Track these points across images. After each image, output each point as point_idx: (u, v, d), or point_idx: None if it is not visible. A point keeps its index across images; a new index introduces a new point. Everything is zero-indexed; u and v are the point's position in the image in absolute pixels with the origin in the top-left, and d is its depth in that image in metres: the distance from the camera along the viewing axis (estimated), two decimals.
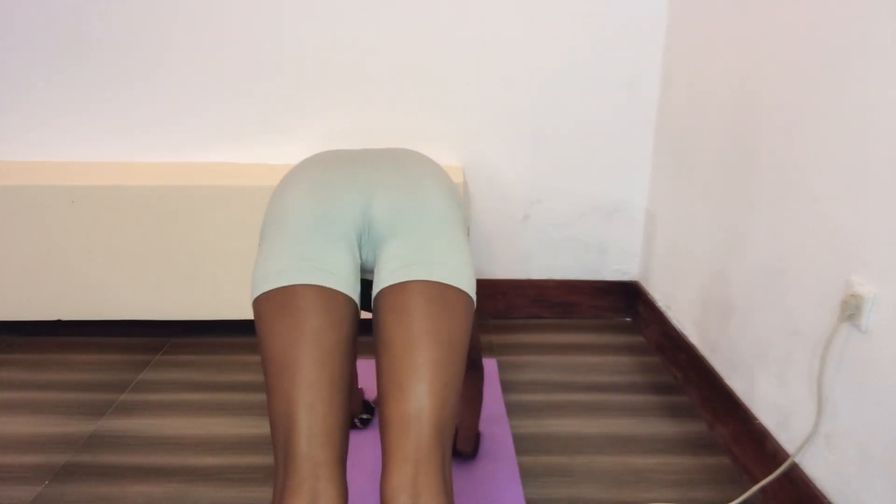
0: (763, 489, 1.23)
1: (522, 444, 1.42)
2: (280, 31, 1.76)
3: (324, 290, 0.81)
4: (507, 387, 1.65)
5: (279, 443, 0.77)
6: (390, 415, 0.79)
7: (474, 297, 0.87)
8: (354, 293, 0.86)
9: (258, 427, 1.48)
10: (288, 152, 1.89)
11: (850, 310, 1.00)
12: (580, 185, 1.94)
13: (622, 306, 2.07)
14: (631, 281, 2.05)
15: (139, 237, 1.73)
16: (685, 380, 1.63)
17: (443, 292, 0.83)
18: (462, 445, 1.33)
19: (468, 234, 0.92)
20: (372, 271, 0.95)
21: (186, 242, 1.74)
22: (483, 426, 1.47)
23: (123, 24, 1.75)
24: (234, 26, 1.76)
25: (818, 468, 1.10)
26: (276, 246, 0.84)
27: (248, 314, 1.82)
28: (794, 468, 1.15)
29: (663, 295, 1.83)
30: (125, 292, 1.78)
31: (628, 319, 2.08)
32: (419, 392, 0.78)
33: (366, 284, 1.00)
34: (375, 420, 1.41)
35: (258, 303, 0.83)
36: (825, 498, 1.07)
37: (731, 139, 1.40)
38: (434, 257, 0.84)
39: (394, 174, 0.91)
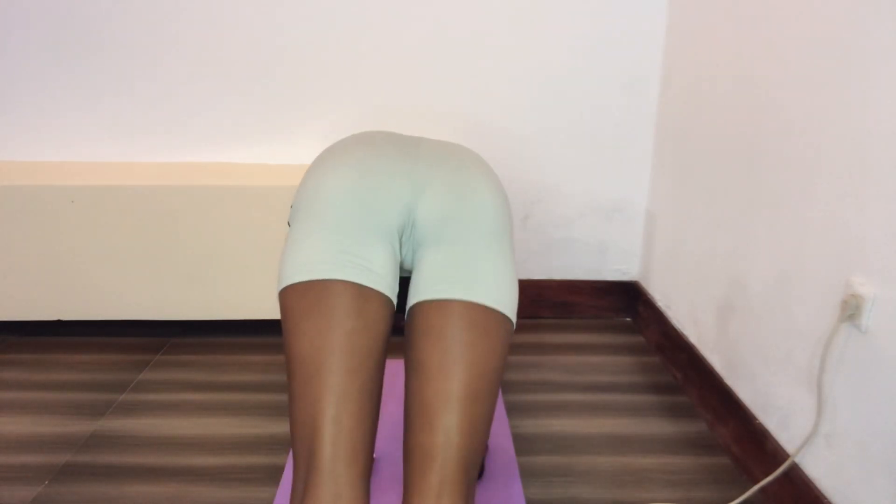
0: (763, 489, 1.23)
1: (522, 444, 1.42)
2: (280, 31, 1.76)
3: (360, 288, 0.74)
4: (507, 387, 1.65)
5: (301, 454, 0.72)
6: (416, 445, 0.73)
7: (515, 320, 0.81)
8: (392, 293, 0.79)
9: (258, 427, 1.48)
10: (288, 152, 1.90)
11: (850, 310, 1.00)
12: (580, 185, 1.94)
13: (622, 306, 2.07)
14: (631, 281, 2.05)
15: (139, 237, 1.73)
16: (685, 380, 1.63)
17: (484, 317, 0.76)
18: None
19: (513, 239, 0.87)
20: (408, 270, 0.87)
21: (186, 242, 1.74)
22: None
23: (123, 25, 1.75)
24: (234, 26, 1.76)
25: (818, 468, 1.10)
26: (312, 233, 0.76)
27: (249, 314, 1.82)
28: (794, 468, 1.15)
29: (663, 295, 1.83)
30: (125, 292, 1.78)
31: (628, 319, 2.08)
32: (448, 425, 0.72)
33: (401, 282, 0.91)
34: (399, 445, 1.38)
35: (286, 295, 0.75)
36: (825, 498, 1.07)
37: (732, 139, 1.40)
38: (479, 276, 0.77)
39: (448, 171, 0.82)
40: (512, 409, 1.55)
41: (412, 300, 0.79)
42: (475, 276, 0.77)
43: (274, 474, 1.32)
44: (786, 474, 1.16)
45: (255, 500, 1.24)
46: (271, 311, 1.82)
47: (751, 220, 1.32)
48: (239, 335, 1.93)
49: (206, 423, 1.49)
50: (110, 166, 1.84)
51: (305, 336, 0.73)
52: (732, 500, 1.22)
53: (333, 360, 0.72)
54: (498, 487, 1.27)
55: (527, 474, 1.32)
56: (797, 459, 1.15)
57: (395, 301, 0.80)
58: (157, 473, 1.32)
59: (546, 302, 2.06)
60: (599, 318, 2.08)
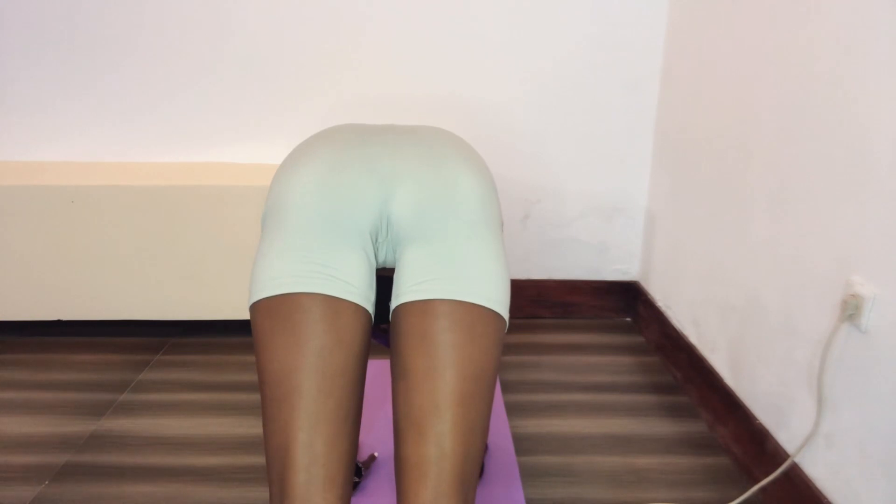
0: (763, 489, 1.23)
1: (522, 444, 1.41)
2: (280, 31, 1.76)
3: (332, 301, 0.69)
4: (507, 387, 1.65)
5: (274, 481, 0.68)
6: (407, 457, 0.68)
7: (507, 315, 0.75)
8: (367, 302, 0.73)
9: (258, 427, 1.48)
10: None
11: (850, 310, 1.00)
12: (580, 185, 1.94)
13: (622, 306, 2.07)
14: (631, 281, 2.05)
15: (139, 237, 1.73)
16: (685, 380, 1.63)
17: (472, 315, 0.71)
18: None
19: (503, 231, 0.79)
20: (392, 268, 0.81)
21: (186, 242, 1.74)
22: None
23: (123, 25, 1.76)
24: (233, 26, 1.76)
25: (818, 468, 1.10)
26: (277, 244, 0.71)
27: (248, 314, 1.82)
28: (794, 468, 1.15)
29: (663, 295, 1.83)
30: (125, 292, 1.78)
31: (628, 319, 2.08)
32: (440, 432, 0.67)
33: (384, 281, 0.84)
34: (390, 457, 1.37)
35: (255, 310, 0.71)
36: (825, 498, 1.07)
37: (731, 139, 1.40)
38: (464, 271, 0.71)
39: (420, 160, 0.74)
40: (512, 409, 1.55)
41: (395, 302, 0.74)
42: (458, 271, 0.71)
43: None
44: (786, 474, 1.16)
45: (255, 500, 1.24)
46: None
47: (751, 219, 1.32)
48: (239, 335, 1.93)
49: (206, 423, 1.49)
50: (110, 166, 1.84)
51: (275, 355, 0.69)
52: (732, 500, 1.22)
53: (305, 380, 0.67)
54: (498, 487, 1.27)
55: (527, 474, 1.32)
56: (797, 459, 1.15)
57: (371, 310, 0.74)
58: (157, 473, 1.32)
59: (546, 302, 2.06)
60: (599, 318, 2.08)
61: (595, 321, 2.06)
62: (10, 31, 1.76)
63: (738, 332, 1.38)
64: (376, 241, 0.75)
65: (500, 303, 0.73)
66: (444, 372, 0.69)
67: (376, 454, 1.35)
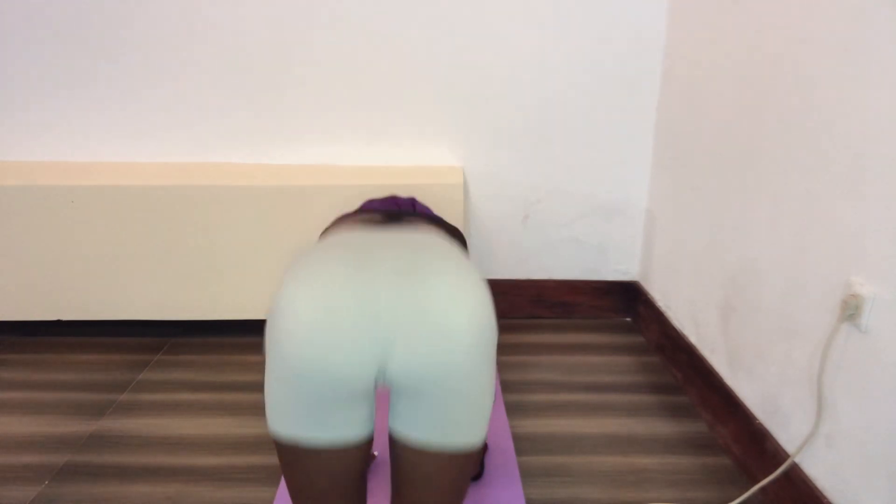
0: (763, 489, 1.23)
1: (522, 444, 1.42)
2: (280, 31, 1.76)
3: (334, 451, 0.77)
4: (507, 387, 1.65)
5: None
6: None
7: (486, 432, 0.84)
8: (368, 433, 0.79)
9: (258, 427, 1.48)
10: (288, 152, 1.89)
11: (850, 310, 0.99)
12: (580, 185, 1.94)
13: (622, 306, 2.07)
14: (631, 281, 2.05)
15: (139, 237, 1.73)
16: (685, 380, 1.63)
17: (460, 458, 0.79)
18: None
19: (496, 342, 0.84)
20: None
21: (186, 242, 1.74)
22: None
23: (124, 26, 1.75)
24: (234, 27, 1.76)
25: (818, 468, 1.10)
26: (280, 388, 0.74)
27: (248, 314, 1.82)
28: (794, 468, 1.15)
29: (663, 295, 1.83)
30: (125, 292, 1.78)
31: (628, 319, 2.08)
32: None
33: None
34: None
35: (273, 436, 0.79)
36: (825, 498, 1.07)
37: (731, 139, 1.40)
38: (454, 424, 0.77)
39: (418, 310, 0.73)
40: (512, 409, 1.55)
41: (391, 429, 0.80)
42: (450, 424, 0.76)
43: (274, 474, 1.32)
44: (786, 474, 1.16)
45: (255, 500, 1.24)
46: None
47: (751, 220, 1.32)
48: (239, 335, 1.93)
49: (206, 423, 1.49)
50: (110, 166, 1.84)
51: (293, 478, 0.80)
52: (732, 500, 1.22)
53: (318, 493, 0.80)
54: (498, 487, 1.27)
55: (527, 474, 1.32)
56: (797, 459, 1.15)
57: (371, 433, 0.80)
58: (157, 473, 1.32)
59: (546, 302, 2.06)
60: (599, 318, 2.08)
61: (595, 321, 2.06)
62: (10, 31, 1.76)
63: (738, 332, 1.38)
64: (375, 381, 0.77)
65: (482, 435, 0.81)
66: (431, 496, 0.81)
67: (376, 453, 1.35)
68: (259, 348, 1.85)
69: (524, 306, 2.07)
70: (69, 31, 1.76)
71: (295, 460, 0.78)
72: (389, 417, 0.80)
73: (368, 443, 0.80)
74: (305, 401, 0.73)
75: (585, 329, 2.00)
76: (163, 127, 1.86)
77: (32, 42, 1.77)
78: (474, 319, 0.75)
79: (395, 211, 0.92)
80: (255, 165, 1.88)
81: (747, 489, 1.26)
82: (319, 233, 1.72)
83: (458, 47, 1.78)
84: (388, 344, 0.73)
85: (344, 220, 0.97)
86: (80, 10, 1.74)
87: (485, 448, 1.37)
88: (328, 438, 0.75)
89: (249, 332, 1.94)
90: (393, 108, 1.85)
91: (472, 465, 0.82)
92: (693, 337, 1.62)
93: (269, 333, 0.75)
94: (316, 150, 1.90)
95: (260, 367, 1.75)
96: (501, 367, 1.75)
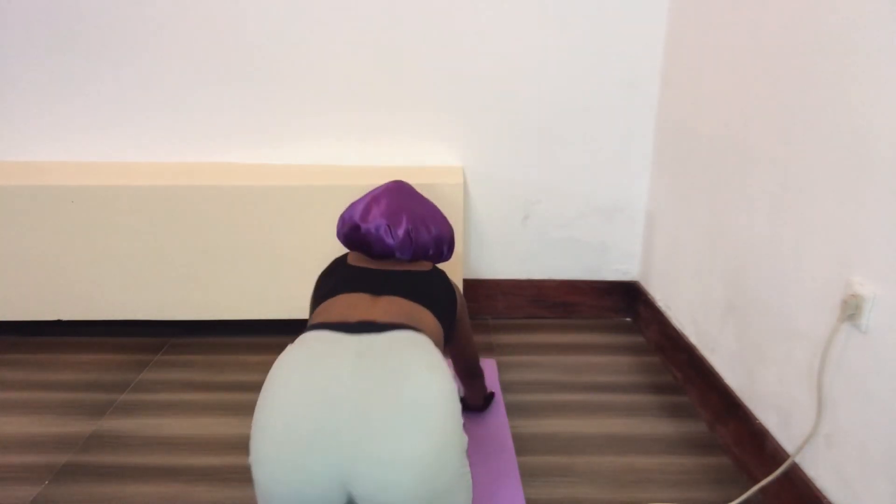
0: (763, 489, 1.23)
1: (522, 444, 1.41)
2: (281, 31, 1.76)
3: None
4: (507, 387, 1.65)
5: None
6: None
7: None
8: None
9: None
10: (288, 152, 1.90)
11: (850, 310, 1.00)
12: (580, 185, 1.94)
13: (622, 306, 2.07)
14: (631, 281, 2.05)
15: (139, 237, 1.73)
16: (685, 380, 1.63)
17: None
18: (472, 404, 1.47)
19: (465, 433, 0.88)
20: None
21: (186, 242, 1.74)
22: (483, 426, 1.47)
23: (124, 26, 1.76)
24: (234, 27, 1.76)
25: (818, 468, 1.10)
26: (260, 485, 0.80)
27: (248, 314, 1.82)
28: (794, 468, 1.15)
29: (663, 295, 1.83)
30: (125, 292, 1.78)
31: (628, 319, 2.08)
32: None
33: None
34: None
35: None
36: (825, 498, 1.07)
37: (731, 139, 1.40)
38: None
39: (384, 436, 0.74)
40: (512, 409, 1.55)
41: None
42: None
43: None
44: (786, 474, 1.16)
45: (255, 500, 1.24)
46: (271, 311, 1.82)
47: (751, 219, 1.32)
48: (239, 335, 1.93)
49: (206, 423, 1.49)
50: (110, 166, 1.84)
51: None
52: (732, 500, 1.22)
53: None
54: (498, 487, 1.27)
55: (527, 474, 1.32)
56: (797, 459, 1.15)
57: None
58: (157, 473, 1.32)
59: (546, 302, 2.06)
60: (599, 318, 2.08)
61: (595, 321, 2.06)
62: (10, 31, 1.76)
63: (738, 332, 1.38)
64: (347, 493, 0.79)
65: None
66: None
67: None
68: (258, 348, 1.85)
69: (524, 306, 2.07)
70: (69, 31, 1.76)
71: None
72: None
73: None
74: None
75: (585, 329, 2.00)
76: (163, 127, 1.86)
77: (32, 42, 1.77)
78: (438, 448, 0.76)
79: (368, 323, 0.90)
80: (255, 165, 1.88)
81: (747, 489, 1.26)
82: (319, 233, 1.72)
83: (459, 47, 1.78)
84: (350, 477, 0.75)
85: (329, 281, 1.04)
86: (80, 10, 1.74)
87: (491, 395, 1.54)
88: None
89: (249, 332, 1.94)
90: (393, 108, 1.85)
91: None
92: (693, 337, 1.62)
93: (254, 425, 0.80)
94: (316, 150, 1.90)
95: (260, 367, 1.75)
96: (501, 366, 1.75)
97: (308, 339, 0.86)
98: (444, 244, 1.17)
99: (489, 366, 1.74)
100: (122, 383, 1.66)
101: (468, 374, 1.39)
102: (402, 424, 0.76)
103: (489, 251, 2.01)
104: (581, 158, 1.91)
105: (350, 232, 1.13)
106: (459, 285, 1.85)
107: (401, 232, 1.10)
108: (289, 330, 1.95)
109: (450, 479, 0.79)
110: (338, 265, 1.13)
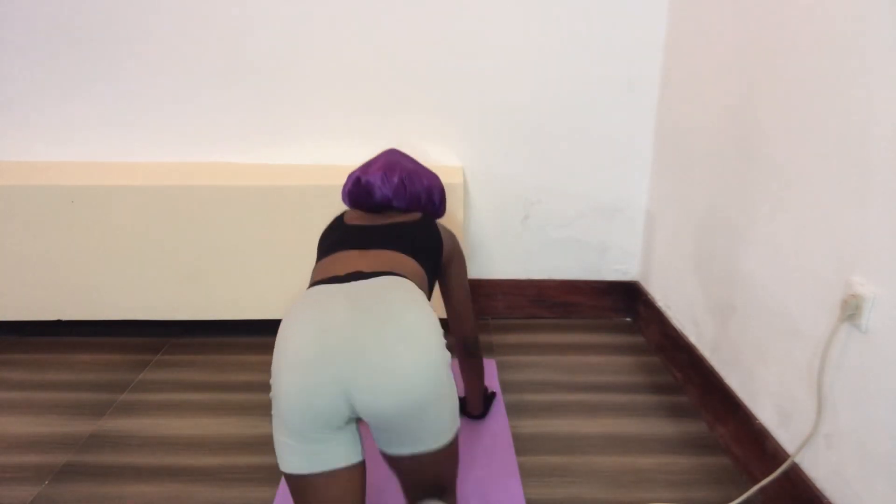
0: (763, 489, 1.23)
1: (522, 444, 1.42)
2: (281, 31, 1.76)
3: (330, 473, 0.91)
4: (507, 387, 1.65)
5: None
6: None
7: (458, 424, 0.98)
8: (357, 454, 0.94)
9: (258, 427, 1.48)
10: (288, 152, 1.90)
11: (850, 310, 0.99)
12: (580, 185, 1.94)
13: (622, 306, 2.07)
14: (631, 281, 2.05)
15: (139, 237, 1.73)
16: (685, 380, 1.63)
17: (440, 453, 0.94)
18: (472, 410, 1.47)
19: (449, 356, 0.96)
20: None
21: (186, 242, 1.74)
22: (483, 426, 1.47)
23: (124, 25, 1.76)
24: (234, 27, 1.76)
25: (818, 468, 1.10)
26: (283, 434, 0.91)
27: (248, 314, 1.82)
28: (794, 468, 1.15)
29: (663, 295, 1.83)
30: (125, 292, 1.79)
31: (628, 319, 2.08)
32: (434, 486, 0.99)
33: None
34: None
35: (284, 474, 0.93)
36: (825, 498, 1.07)
37: (731, 139, 1.40)
38: (426, 439, 0.92)
39: (372, 358, 0.88)
40: (512, 409, 1.55)
41: (382, 449, 0.96)
42: (419, 439, 0.92)
43: (274, 474, 1.32)
44: (786, 474, 1.16)
45: (255, 500, 1.24)
46: (271, 311, 1.82)
47: (751, 220, 1.32)
48: (239, 335, 1.93)
49: (206, 423, 1.49)
50: (110, 166, 1.84)
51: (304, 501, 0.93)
52: (732, 500, 1.22)
53: None
54: (498, 487, 1.27)
55: (527, 474, 1.32)
56: (797, 459, 1.15)
57: (360, 457, 0.95)
58: (157, 473, 1.32)
59: (546, 302, 2.06)
60: (599, 318, 2.08)
61: (595, 321, 2.06)
62: (10, 31, 1.76)
63: (738, 332, 1.38)
64: (352, 410, 0.91)
65: (452, 432, 0.95)
66: (429, 479, 0.97)
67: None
68: (258, 348, 1.85)
69: (524, 306, 2.07)
70: (69, 31, 1.76)
71: (299, 489, 0.92)
72: (379, 445, 0.96)
73: (360, 469, 0.94)
74: (296, 438, 0.89)
75: (585, 329, 2.00)
76: (163, 127, 1.86)
77: (32, 42, 1.77)
78: (422, 358, 0.89)
79: (364, 272, 1.01)
80: (255, 165, 1.88)
81: (747, 489, 1.26)
82: (319, 233, 1.72)
83: (459, 47, 1.78)
84: (349, 387, 0.87)
85: (331, 236, 1.17)
86: (80, 10, 1.74)
87: (492, 395, 1.55)
88: (320, 468, 0.90)
89: (249, 332, 1.94)
90: (393, 108, 1.85)
91: (455, 448, 0.97)
92: (693, 337, 1.62)
93: (273, 371, 0.91)
94: (316, 151, 1.90)
95: (260, 367, 1.75)
96: (501, 366, 1.75)
97: (307, 293, 0.98)
98: (434, 193, 1.30)
99: (489, 366, 1.74)
100: (122, 383, 1.66)
101: (464, 347, 1.37)
102: (390, 340, 0.88)
103: (489, 251, 2.01)
104: (581, 158, 1.91)
105: (353, 186, 1.25)
106: None
107: (395, 180, 1.23)
108: None
109: (435, 387, 0.90)
110: (336, 225, 1.21)
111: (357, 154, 1.89)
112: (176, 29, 1.76)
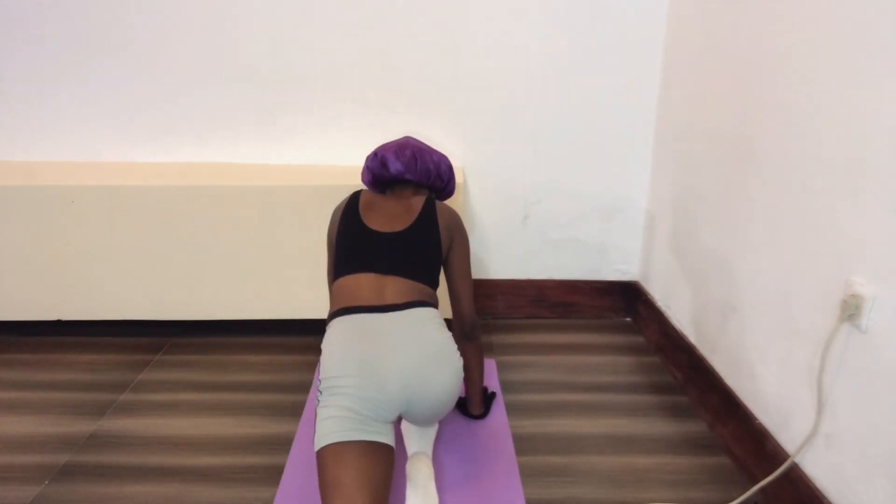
0: (763, 489, 1.23)
1: (522, 444, 1.42)
2: (281, 32, 1.76)
3: (371, 444, 1.07)
4: (507, 387, 1.65)
5: None
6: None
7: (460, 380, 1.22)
8: (390, 443, 1.12)
9: (258, 427, 1.48)
10: (288, 152, 1.90)
11: (850, 310, 1.00)
12: (580, 185, 1.94)
13: (622, 306, 2.07)
14: (631, 281, 2.05)
15: (139, 237, 1.73)
16: (685, 380, 1.63)
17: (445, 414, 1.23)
18: (473, 409, 1.49)
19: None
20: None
21: (186, 242, 1.74)
22: (483, 426, 1.47)
23: (124, 25, 1.76)
24: (235, 27, 1.76)
25: (818, 468, 1.10)
26: (340, 408, 1.08)
27: (248, 314, 1.82)
28: (794, 468, 1.15)
29: (663, 295, 1.83)
30: (125, 292, 1.79)
31: (628, 319, 2.08)
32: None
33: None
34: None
35: (325, 446, 1.07)
36: (825, 498, 1.07)
37: (731, 139, 1.40)
38: (440, 415, 1.22)
39: (423, 386, 1.14)
40: (512, 409, 1.55)
41: (409, 448, 1.30)
42: (435, 418, 1.21)
43: (274, 474, 1.32)
44: (786, 474, 1.16)
45: (255, 500, 1.24)
46: (271, 311, 1.82)
47: (751, 220, 1.32)
48: (239, 335, 1.93)
49: (206, 423, 1.49)
50: (110, 166, 1.84)
51: (329, 475, 1.04)
52: (732, 500, 1.22)
53: (354, 484, 1.04)
54: (498, 487, 1.27)
55: (527, 474, 1.32)
56: (797, 459, 1.15)
57: (391, 447, 1.11)
58: (157, 473, 1.32)
59: (546, 302, 2.06)
60: (599, 318, 2.08)
61: (595, 321, 2.06)
62: (10, 31, 1.76)
63: (738, 332, 1.38)
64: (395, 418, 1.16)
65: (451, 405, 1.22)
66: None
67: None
68: (258, 348, 1.85)
69: (524, 306, 2.07)
70: (69, 31, 1.76)
71: (338, 459, 1.04)
72: (407, 444, 1.30)
73: (391, 453, 1.10)
74: (356, 417, 1.07)
75: (585, 329, 2.00)
76: (163, 127, 1.86)
77: (32, 42, 1.77)
78: (454, 376, 1.17)
79: (384, 306, 1.21)
80: (255, 165, 1.88)
81: (747, 489, 1.26)
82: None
83: (459, 48, 1.79)
84: (408, 404, 1.14)
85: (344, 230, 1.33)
86: (80, 10, 1.74)
87: (493, 395, 1.59)
88: (366, 437, 1.06)
89: (249, 332, 1.94)
90: (393, 108, 1.85)
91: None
92: (693, 337, 1.62)
93: (334, 381, 1.10)
94: (316, 150, 1.90)
95: (260, 367, 1.75)
96: (501, 366, 1.75)
97: (355, 322, 1.17)
98: (443, 168, 1.43)
99: (489, 366, 1.74)
100: (122, 383, 1.66)
101: (461, 331, 1.40)
102: (435, 367, 1.15)
103: (489, 251, 2.01)
104: (581, 158, 1.91)
105: (372, 163, 1.40)
106: None
107: (408, 153, 1.39)
108: (289, 330, 1.95)
109: (456, 393, 1.19)
110: (351, 218, 1.33)
111: (357, 154, 1.89)
112: (176, 29, 1.76)
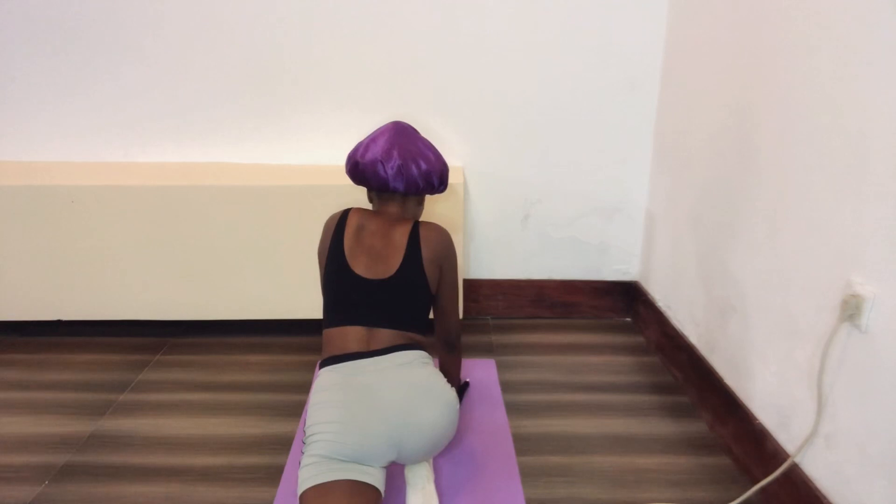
0: (763, 489, 1.23)
1: (522, 444, 1.42)
2: (282, 32, 1.76)
3: (357, 483, 1.08)
4: (507, 387, 1.65)
5: None
6: None
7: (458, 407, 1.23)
8: (382, 486, 1.12)
9: (258, 427, 1.48)
10: (288, 152, 1.90)
11: (850, 310, 1.00)
12: (580, 185, 1.94)
13: (622, 306, 2.07)
14: (631, 281, 2.05)
15: (139, 237, 1.73)
16: (685, 380, 1.63)
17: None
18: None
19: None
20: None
21: (186, 242, 1.74)
22: (482, 425, 1.47)
23: (124, 25, 1.76)
24: (235, 27, 1.76)
25: (818, 468, 1.10)
26: (325, 455, 1.09)
27: (248, 314, 1.82)
28: (794, 468, 1.15)
29: (663, 295, 1.83)
30: (125, 292, 1.79)
31: (628, 319, 2.08)
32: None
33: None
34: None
35: (309, 487, 1.06)
36: (825, 498, 1.07)
37: (731, 139, 1.40)
38: (435, 451, 1.21)
39: (414, 427, 1.13)
40: (512, 409, 1.55)
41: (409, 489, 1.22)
42: (431, 454, 1.20)
43: (274, 474, 1.32)
44: (786, 474, 1.16)
45: (255, 500, 1.24)
46: (271, 311, 1.82)
47: (751, 219, 1.32)
48: (239, 335, 1.93)
49: (206, 423, 1.49)
50: (110, 166, 1.84)
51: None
52: (732, 500, 1.22)
53: None
54: (498, 487, 1.27)
55: (527, 474, 1.32)
56: (797, 459, 1.15)
57: (380, 492, 1.11)
58: (157, 473, 1.32)
59: (546, 302, 2.06)
60: (599, 318, 2.08)
61: (595, 321, 2.06)
62: (10, 31, 1.76)
63: (738, 332, 1.38)
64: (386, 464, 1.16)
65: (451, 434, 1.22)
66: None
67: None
68: (258, 348, 1.85)
69: (524, 306, 2.07)
70: (69, 31, 1.76)
71: (320, 496, 1.03)
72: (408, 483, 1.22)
73: (377, 495, 1.09)
74: (336, 460, 1.08)
75: (585, 329, 2.00)
76: (163, 127, 1.86)
77: (32, 43, 1.77)
78: (444, 419, 1.16)
79: (371, 351, 1.21)
80: (255, 165, 1.88)
81: (747, 489, 1.26)
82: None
83: (459, 48, 1.79)
84: (398, 444, 1.13)
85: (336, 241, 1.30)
86: (80, 10, 1.74)
87: (465, 384, 1.62)
88: (352, 477, 1.07)
89: (249, 332, 1.94)
90: (393, 108, 1.85)
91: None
92: (693, 337, 1.62)
93: (315, 429, 1.10)
94: (316, 151, 1.90)
95: (260, 367, 1.75)
96: (501, 366, 1.75)
97: (346, 370, 1.18)
98: (433, 177, 1.34)
99: (489, 366, 1.74)
100: (122, 383, 1.66)
101: (445, 342, 1.38)
102: (425, 408, 1.15)
103: (489, 251, 2.01)
104: (581, 158, 1.91)
105: (352, 168, 1.33)
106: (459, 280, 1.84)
107: (391, 166, 1.29)
108: (289, 330, 1.95)
109: (453, 428, 1.19)
110: (336, 249, 1.29)
111: None
112: (176, 29, 1.76)
